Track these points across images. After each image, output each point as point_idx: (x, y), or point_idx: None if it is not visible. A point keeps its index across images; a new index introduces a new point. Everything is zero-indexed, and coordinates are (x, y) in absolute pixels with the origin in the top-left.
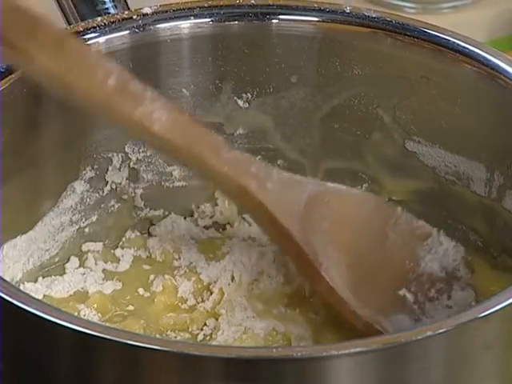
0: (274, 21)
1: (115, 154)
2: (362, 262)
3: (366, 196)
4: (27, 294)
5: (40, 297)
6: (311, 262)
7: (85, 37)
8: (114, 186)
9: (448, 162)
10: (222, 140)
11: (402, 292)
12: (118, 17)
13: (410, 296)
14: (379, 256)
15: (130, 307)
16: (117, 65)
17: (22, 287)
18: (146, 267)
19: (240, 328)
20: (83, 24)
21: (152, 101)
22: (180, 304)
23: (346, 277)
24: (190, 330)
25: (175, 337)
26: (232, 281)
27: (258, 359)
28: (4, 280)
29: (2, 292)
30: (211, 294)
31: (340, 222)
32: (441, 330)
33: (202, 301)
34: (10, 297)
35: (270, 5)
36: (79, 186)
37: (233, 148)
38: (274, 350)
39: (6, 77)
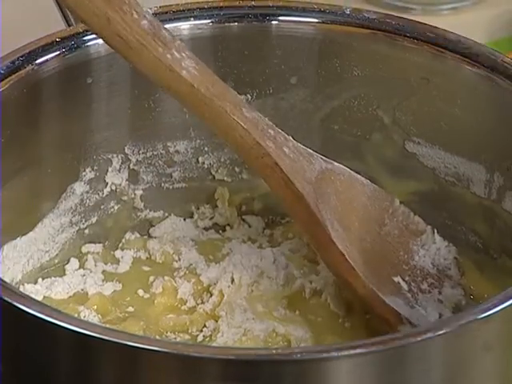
0: (273, 22)
1: (115, 156)
2: (362, 243)
3: (367, 182)
4: (27, 296)
5: (40, 298)
6: (322, 228)
7: (85, 38)
8: (113, 188)
9: (448, 163)
10: (243, 100)
11: (397, 279)
12: None
13: (403, 284)
14: (377, 241)
15: (130, 308)
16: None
17: (21, 288)
18: (146, 268)
19: (240, 330)
20: (83, 25)
21: (180, 49)
22: (180, 305)
23: (350, 252)
24: (189, 331)
25: (175, 338)
26: (232, 283)
27: (257, 360)
28: (4, 281)
29: (2, 293)
30: (211, 295)
31: (344, 202)
32: (441, 332)
33: (202, 302)
34: (10, 298)
35: (269, 6)
36: (79, 188)
37: (253, 109)
38: (274, 352)
39: (6, 78)
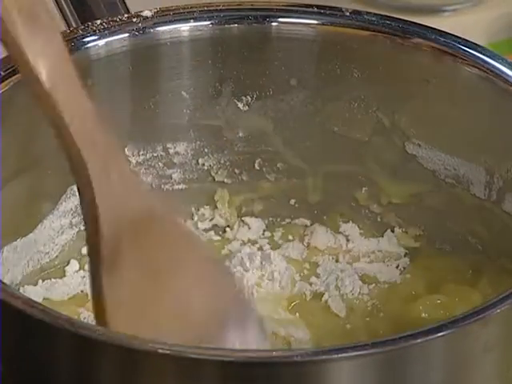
0: (273, 24)
1: None
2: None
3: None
4: (27, 297)
5: (40, 300)
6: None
7: (84, 40)
8: None
9: (448, 165)
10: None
11: None
12: (118, 20)
13: None
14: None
15: None
16: None
17: (21, 290)
18: None
19: None
20: (83, 27)
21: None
22: None
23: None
24: None
25: None
26: None
27: (257, 362)
28: (4, 283)
29: (2, 295)
30: None
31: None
32: (441, 333)
33: None
34: (10, 300)
35: (269, 8)
36: None
37: (102, 125)
38: (274, 354)
39: (7, 79)
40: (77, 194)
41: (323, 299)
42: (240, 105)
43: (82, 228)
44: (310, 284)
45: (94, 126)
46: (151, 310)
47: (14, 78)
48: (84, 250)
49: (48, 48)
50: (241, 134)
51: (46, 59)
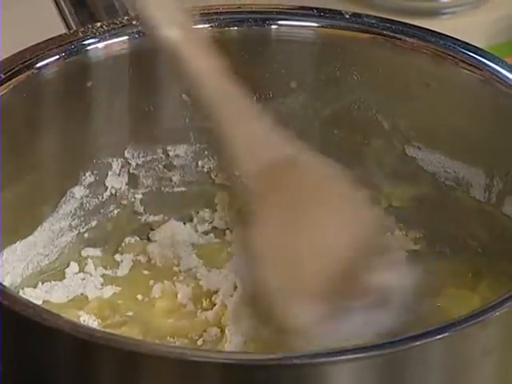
0: (273, 26)
1: (115, 160)
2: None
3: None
4: (27, 300)
5: (39, 302)
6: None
7: (85, 42)
8: (113, 192)
9: (447, 168)
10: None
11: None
12: (118, 22)
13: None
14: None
15: (130, 313)
16: None
17: (21, 293)
18: (146, 272)
19: (247, 336)
20: (83, 29)
21: None
22: (179, 310)
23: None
24: (189, 336)
25: (174, 342)
26: (234, 290)
27: (256, 365)
28: (3, 285)
29: (2, 297)
30: (214, 305)
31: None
32: (440, 336)
33: (202, 307)
34: (10, 302)
35: (269, 10)
36: (79, 192)
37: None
38: (273, 356)
39: (6, 82)
40: (76, 196)
41: None
42: None
43: (82, 230)
44: None
45: (227, 81)
46: (295, 251)
47: (13, 80)
48: (84, 253)
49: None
50: None
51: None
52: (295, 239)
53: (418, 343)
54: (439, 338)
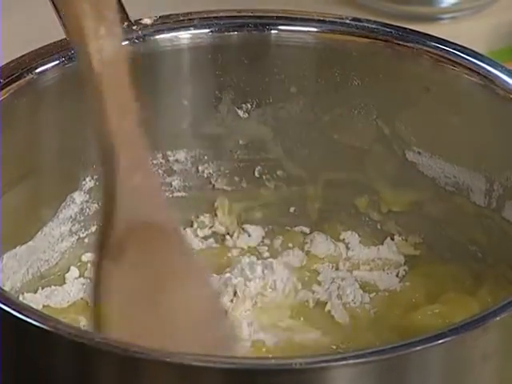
0: (273, 31)
1: None
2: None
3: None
4: (27, 305)
5: (39, 307)
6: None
7: None
8: None
9: (448, 173)
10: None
11: None
12: None
13: None
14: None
15: None
16: None
17: (21, 298)
18: None
19: (248, 343)
20: None
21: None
22: None
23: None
24: None
25: None
26: (234, 295)
27: (256, 370)
28: (3, 290)
29: (2, 302)
30: None
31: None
32: (440, 341)
33: None
34: (10, 307)
35: (269, 15)
36: (79, 197)
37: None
38: (273, 361)
39: (6, 87)
40: (76, 201)
41: (326, 307)
42: (240, 112)
43: (82, 235)
44: (313, 292)
45: (132, 126)
46: (141, 310)
47: (14, 85)
48: (84, 258)
49: (108, 39)
50: (241, 142)
51: (104, 47)
52: (142, 303)
53: (418, 348)
54: (439, 343)
